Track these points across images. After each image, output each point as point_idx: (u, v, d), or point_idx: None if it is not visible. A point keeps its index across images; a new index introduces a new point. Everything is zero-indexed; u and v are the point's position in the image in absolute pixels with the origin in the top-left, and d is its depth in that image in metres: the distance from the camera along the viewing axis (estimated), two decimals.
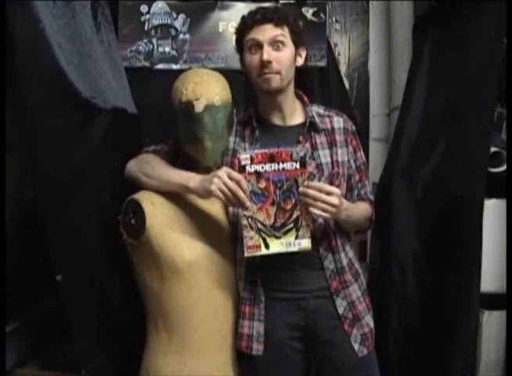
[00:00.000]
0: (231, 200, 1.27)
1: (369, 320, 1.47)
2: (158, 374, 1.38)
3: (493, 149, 1.72)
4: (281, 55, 1.38)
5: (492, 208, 1.71)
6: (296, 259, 1.38)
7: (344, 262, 1.45)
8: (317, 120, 1.48)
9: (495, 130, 1.76)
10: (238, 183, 1.25)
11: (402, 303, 1.80)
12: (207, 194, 1.30)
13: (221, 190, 1.25)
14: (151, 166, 1.41)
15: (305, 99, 1.51)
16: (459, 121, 1.71)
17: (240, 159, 1.28)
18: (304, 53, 1.46)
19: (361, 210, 1.49)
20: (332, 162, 1.45)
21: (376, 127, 2.38)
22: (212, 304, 1.40)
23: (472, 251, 1.61)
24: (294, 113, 1.48)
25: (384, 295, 1.82)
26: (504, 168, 1.73)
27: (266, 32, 1.37)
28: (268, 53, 1.36)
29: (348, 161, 1.48)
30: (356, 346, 1.42)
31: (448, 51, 1.81)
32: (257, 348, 1.42)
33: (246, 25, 1.40)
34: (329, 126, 1.50)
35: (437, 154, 1.76)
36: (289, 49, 1.40)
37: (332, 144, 1.48)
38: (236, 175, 1.27)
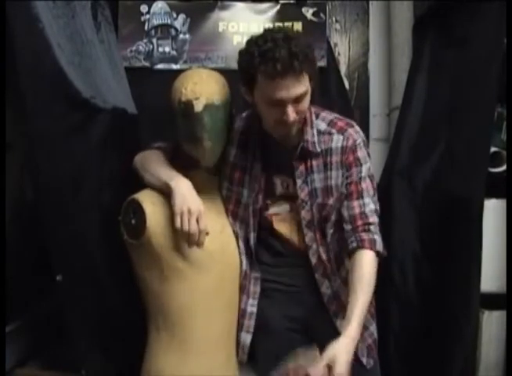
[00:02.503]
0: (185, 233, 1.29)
1: (373, 330, 1.47)
2: (159, 374, 1.38)
3: (493, 149, 1.72)
4: (302, 106, 1.29)
5: (492, 208, 1.71)
6: (297, 265, 1.42)
7: (338, 282, 1.43)
8: (315, 140, 1.38)
9: (495, 130, 1.76)
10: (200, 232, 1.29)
11: (402, 303, 1.80)
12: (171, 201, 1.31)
13: (183, 223, 1.28)
14: (150, 162, 1.43)
15: (307, 115, 1.39)
16: (459, 121, 1.71)
17: None
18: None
19: (368, 286, 1.29)
20: (325, 187, 1.39)
21: (376, 127, 2.38)
22: (213, 304, 1.40)
23: (472, 251, 1.61)
24: (298, 131, 1.38)
25: (384, 296, 1.81)
26: (504, 168, 1.73)
27: (289, 90, 1.23)
28: (292, 114, 1.26)
29: (342, 183, 1.39)
30: (364, 360, 1.41)
31: (448, 51, 1.81)
32: (241, 356, 1.45)
33: (264, 73, 1.22)
34: (327, 146, 1.39)
35: (437, 154, 1.76)
36: (308, 96, 1.29)
37: (327, 167, 1.39)
38: (203, 224, 1.29)
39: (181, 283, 1.37)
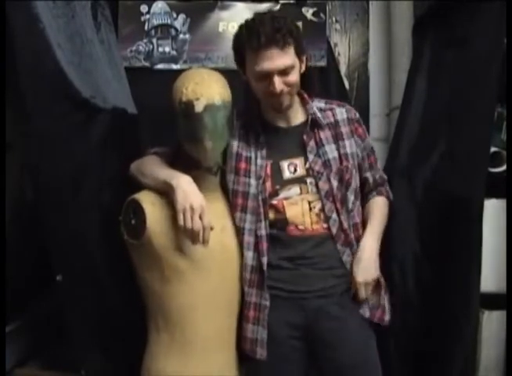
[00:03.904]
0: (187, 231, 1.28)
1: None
2: (159, 375, 1.38)
3: (493, 149, 1.72)
4: (290, 79, 1.37)
5: (492, 208, 1.71)
6: (300, 260, 1.41)
7: None
8: (319, 115, 1.49)
9: (495, 130, 1.76)
10: (204, 229, 1.28)
11: (402, 303, 1.79)
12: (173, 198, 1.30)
13: (186, 220, 1.27)
14: (147, 165, 1.42)
15: (305, 96, 1.51)
16: (459, 121, 1.71)
17: None
18: (306, 58, 1.44)
19: (382, 214, 1.56)
20: (340, 156, 1.46)
21: (376, 127, 2.38)
22: (213, 304, 1.40)
23: (472, 251, 1.60)
24: (297, 113, 1.49)
25: None
26: (504, 168, 1.73)
27: (274, 61, 1.33)
28: (278, 85, 1.35)
29: (358, 154, 1.51)
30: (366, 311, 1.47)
31: (448, 51, 1.80)
32: (261, 352, 1.42)
33: (249, 47, 1.35)
34: (332, 119, 1.51)
35: (437, 154, 1.76)
36: (296, 69, 1.39)
37: (337, 137, 1.49)
38: (206, 220, 1.28)
39: (181, 284, 1.37)
